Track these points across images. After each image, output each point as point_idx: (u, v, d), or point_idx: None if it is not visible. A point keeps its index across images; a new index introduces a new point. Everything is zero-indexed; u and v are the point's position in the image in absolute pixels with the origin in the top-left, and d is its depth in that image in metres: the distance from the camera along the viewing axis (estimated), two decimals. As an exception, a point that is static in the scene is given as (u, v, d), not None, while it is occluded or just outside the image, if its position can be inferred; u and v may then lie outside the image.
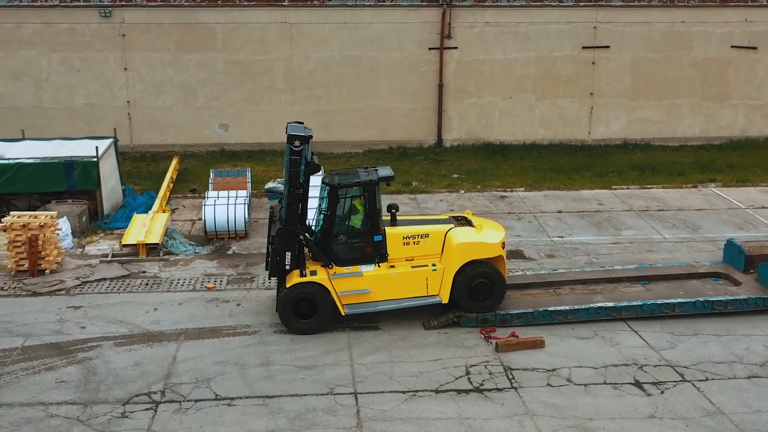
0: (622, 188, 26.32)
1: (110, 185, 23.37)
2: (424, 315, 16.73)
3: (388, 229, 16.47)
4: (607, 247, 21.25)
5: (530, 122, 31.08)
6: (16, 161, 21.93)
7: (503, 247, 16.65)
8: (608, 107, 31.25)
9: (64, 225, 20.82)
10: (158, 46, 29.07)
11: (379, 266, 16.35)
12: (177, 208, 24.21)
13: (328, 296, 16.09)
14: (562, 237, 21.99)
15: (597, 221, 23.21)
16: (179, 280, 19.04)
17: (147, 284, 18.82)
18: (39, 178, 21.90)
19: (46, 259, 19.26)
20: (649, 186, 26.56)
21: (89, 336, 16.18)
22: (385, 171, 16.62)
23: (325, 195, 16.24)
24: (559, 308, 16.69)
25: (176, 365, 15.00)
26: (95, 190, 22.37)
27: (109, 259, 20.23)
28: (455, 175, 27.54)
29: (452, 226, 16.73)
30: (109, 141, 23.93)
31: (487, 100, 30.73)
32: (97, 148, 22.22)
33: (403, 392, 14.09)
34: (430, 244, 16.44)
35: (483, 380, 14.50)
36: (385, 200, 24.80)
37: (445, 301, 16.42)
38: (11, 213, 19.93)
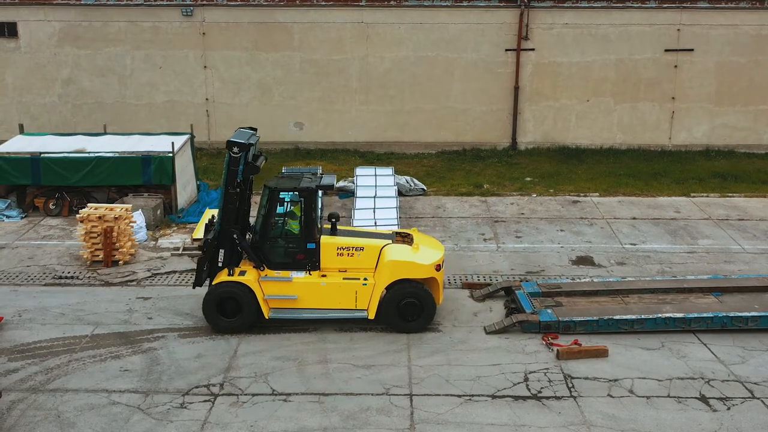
0: (702, 196, 25.45)
1: (185, 180, 23.92)
2: (487, 319, 16.52)
3: (324, 238, 16.30)
4: (682, 257, 20.57)
5: (608, 126, 30.40)
6: (96, 155, 22.71)
7: (438, 269, 16.27)
8: (691, 112, 30.28)
9: (139, 218, 21.44)
10: (237, 44, 29.60)
11: (310, 274, 16.21)
12: (249, 205, 24.58)
13: (253, 297, 16.03)
14: (634, 244, 21.40)
15: (672, 229, 22.51)
16: (246, 275, 19.30)
17: (214, 278, 19.17)
18: (117, 171, 22.61)
19: (120, 250, 19.82)
20: (730, 194, 25.61)
21: (155, 327, 16.58)
22: (327, 179, 16.67)
23: (265, 197, 16.32)
24: (625, 317, 16.23)
25: (236, 359, 15.22)
26: (170, 185, 22.96)
27: (180, 252, 20.70)
28: (528, 179, 27.16)
29: (389, 242, 16.49)
30: (186, 137, 24.51)
31: (563, 103, 30.21)
32: (173, 143, 22.78)
33: (459, 396, 13.94)
34: (365, 258, 16.21)
35: (541, 387, 14.23)
36: (455, 202, 24.99)
37: (371, 316, 16.17)
38: (88, 205, 20.61)
